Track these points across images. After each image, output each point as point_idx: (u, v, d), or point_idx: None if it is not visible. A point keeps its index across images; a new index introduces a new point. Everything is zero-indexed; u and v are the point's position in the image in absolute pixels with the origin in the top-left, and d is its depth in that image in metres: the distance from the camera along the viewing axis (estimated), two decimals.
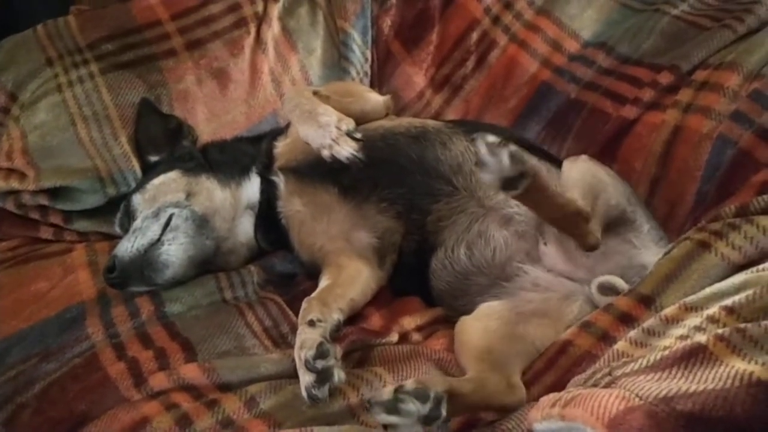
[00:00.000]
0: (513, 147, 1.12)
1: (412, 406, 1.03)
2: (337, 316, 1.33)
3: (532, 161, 1.18)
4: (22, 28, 1.97)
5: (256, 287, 1.56)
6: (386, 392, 1.04)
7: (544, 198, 1.23)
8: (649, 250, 1.37)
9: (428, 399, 1.03)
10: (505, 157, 1.12)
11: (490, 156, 1.12)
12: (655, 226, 1.43)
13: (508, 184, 1.14)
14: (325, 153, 1.47)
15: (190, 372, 1.26)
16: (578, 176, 1.40)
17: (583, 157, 1.50)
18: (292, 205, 1.60)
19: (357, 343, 1.35)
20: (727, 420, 0.79)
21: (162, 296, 1.48)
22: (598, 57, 1.81)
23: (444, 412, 1.05)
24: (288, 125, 1.72)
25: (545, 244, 1.40)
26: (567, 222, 1.28)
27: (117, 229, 1.70)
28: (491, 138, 1.13)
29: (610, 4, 1.88)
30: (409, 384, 1.05)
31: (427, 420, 1.04)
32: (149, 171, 1.74)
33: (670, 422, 0.80)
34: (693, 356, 0.90)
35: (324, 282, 1.49)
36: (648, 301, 1.20)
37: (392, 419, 1.03)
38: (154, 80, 1.88)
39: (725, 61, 1.59)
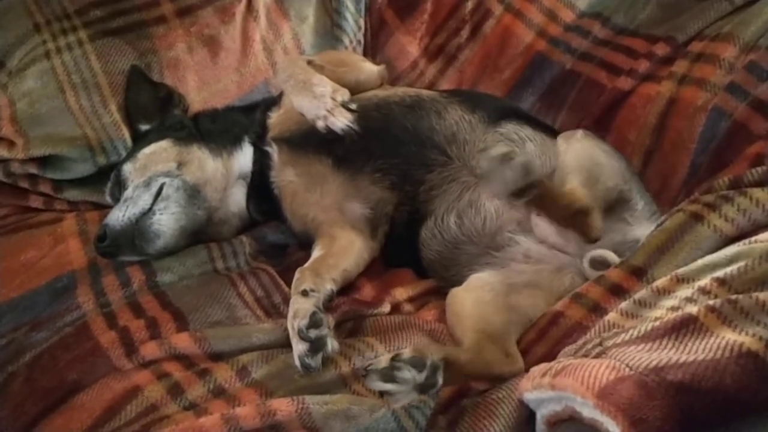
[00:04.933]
0: (521, 158, 1.12)
1: (408, 373, 1.03)
2: (329, 286, 1.34)
3: (536, 164, 1.18)
4: None
5: (248, 258, 1.55)
6: (383, 360, 1.05)
7: (550, 202, 1.24)
8: (641, 226, 1.37)
9: (425, 367, 1.04)
10: (513, 171, 1.12)
11: (499, 171, 1.12)
12: (648, 201, 1.43)
13: (516, 194, 1.15)
14: (320, 124, 1.45)
15: (182, 341, 1.26)
16: (576, 162, 1.39)
17: (579, 133, 1.49)
18: (285, 176, 1.59)
19: (349, 313, 1.35)
20: (717, 390, 0.80)
21: (153, 266, 1.47)
22: (594, 27, 1.79)
23: (440, 381, 1.05)
24: (281, 95, 1.70)
25: (537, 214, 1.40)
26: (570, 219, 1.29)
27: (108, 199, 1.68)
28: (498, 151, 1.12)
29: None
30: (406, 352, 1.05)
31: (422, 388, 1.04)
32: (140, 140, 1.72)
33: (660, 392, 0.81)
34: (684, 327, 0.91)
35: (317, 252, 1.49)
36: (640, 273, 1.20)
37: (388, 386, 1.04)
38: (144, 47, 1.84)
39: (721, 32, 1.58)
